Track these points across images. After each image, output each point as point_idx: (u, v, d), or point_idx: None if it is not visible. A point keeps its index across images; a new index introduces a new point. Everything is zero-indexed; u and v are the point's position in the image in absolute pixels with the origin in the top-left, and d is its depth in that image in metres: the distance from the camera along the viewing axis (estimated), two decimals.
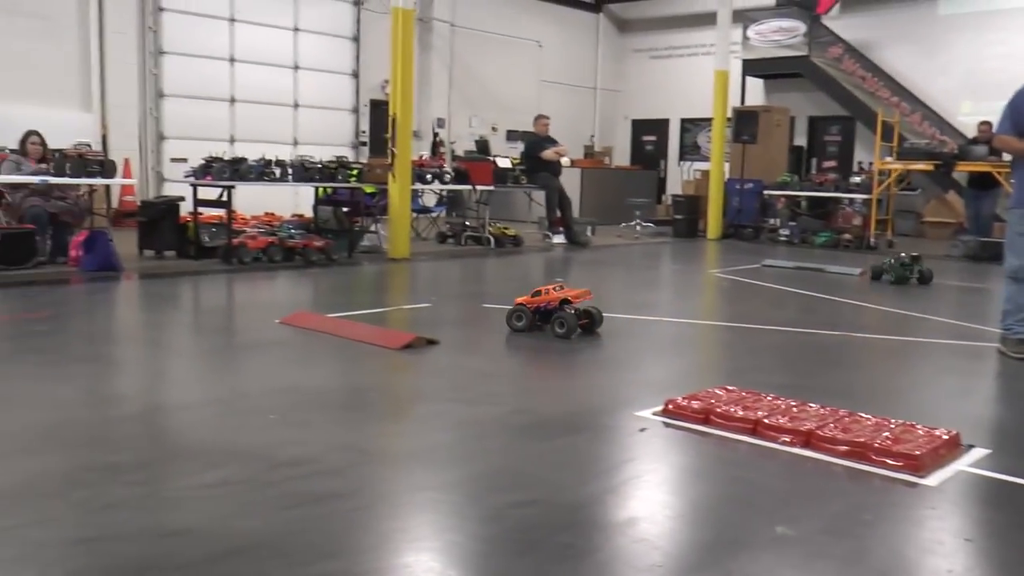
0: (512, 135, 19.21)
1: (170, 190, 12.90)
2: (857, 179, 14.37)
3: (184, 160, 12.86)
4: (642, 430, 3.92)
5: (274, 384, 4.64)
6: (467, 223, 12.76)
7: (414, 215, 12.12)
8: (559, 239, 13.07)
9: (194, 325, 7.02)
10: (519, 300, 6.07)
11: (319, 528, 2.75)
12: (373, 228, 11.27)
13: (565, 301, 5.90)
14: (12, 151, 9.09)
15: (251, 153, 10.23)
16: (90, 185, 9.31)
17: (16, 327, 5.99)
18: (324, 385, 4.72)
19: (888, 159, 14.03)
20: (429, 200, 14.66)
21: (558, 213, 13.18)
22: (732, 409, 3.95)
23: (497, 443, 3.73)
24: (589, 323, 6.03)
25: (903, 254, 9.63)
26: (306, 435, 3.72)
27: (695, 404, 4.04)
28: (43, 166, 8.79)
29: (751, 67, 18.55)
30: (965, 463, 3.53)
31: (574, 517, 2.91)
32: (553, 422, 4.03)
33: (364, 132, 17.14)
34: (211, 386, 4.72)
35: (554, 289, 6.00)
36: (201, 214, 9.72)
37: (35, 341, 5.53)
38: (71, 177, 8.74)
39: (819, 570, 2.58)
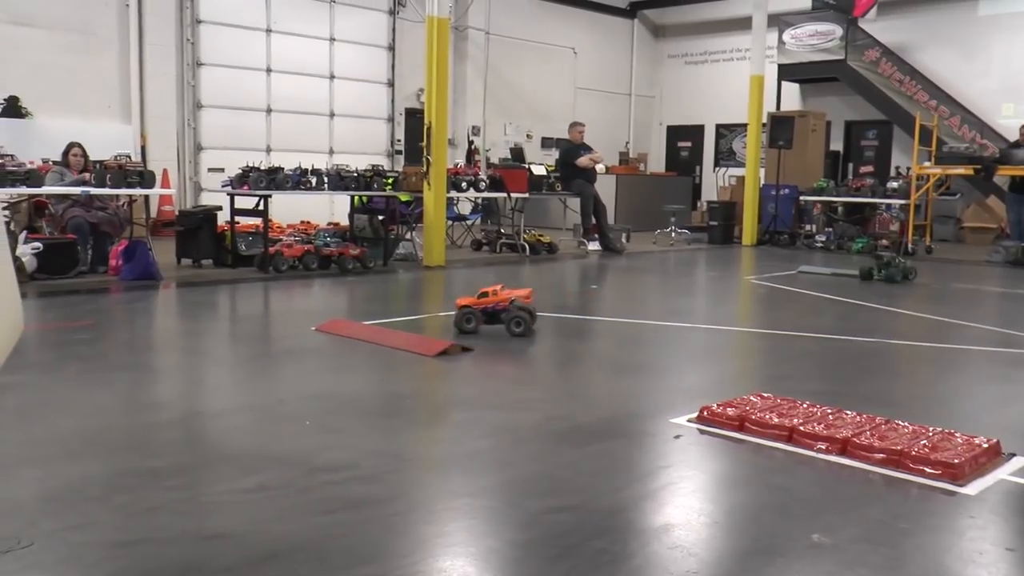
0: (547, 142, 19.25)
1: (207, 200, 13.08)
2: (894, 184, 14.22)
3: (221, 170, 13.03)
4: (677, 437, 3.91)
5: (310, 390, 4.69)
6: (502, 230, 12.79)
7: (449, 223, 12.17)
8: (594, 246, 13.07)
9: (231, 333, 7.10)
10: (464, 302, 6.11)
11: (356, 533, 2.78)
12: (408, 236, 11.34)
13: (514, 301, 6.00)
14: (55, 163, 9.26)
15: (287, 162, 10.34)
16: (130, 195, 9.46)
17: (59, 335, 6.10)
18: (360, 392, 4.76)
19: (926, 164, 13.88)
20: (464, 208, 14.73)
21: (593, 220, 13.18)
22: (767, 416, 3.93)
23: (532, 449, 3.74)
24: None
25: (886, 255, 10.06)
26: (343, 441, 3.75)
27: (730, 411, 4.03)
28: (84, 177, 8.94)
29: (787, 72, 18.45)
30: (1006, 472, 3.48)
31: (609, 523, 2.92)
32: (588, 428, 4.03)
33: (399, 140, 17.26)
34: (249, 392, 4.77)
35: (499, 290, 6.09)
36: (238, 223, 9.84)
37: (77, 349, 5.62)
38: (111, 188, 8.89)
39: (849, 565, 2.56)
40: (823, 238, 14.52)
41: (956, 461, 3.37)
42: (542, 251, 12.27)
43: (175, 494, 3.08)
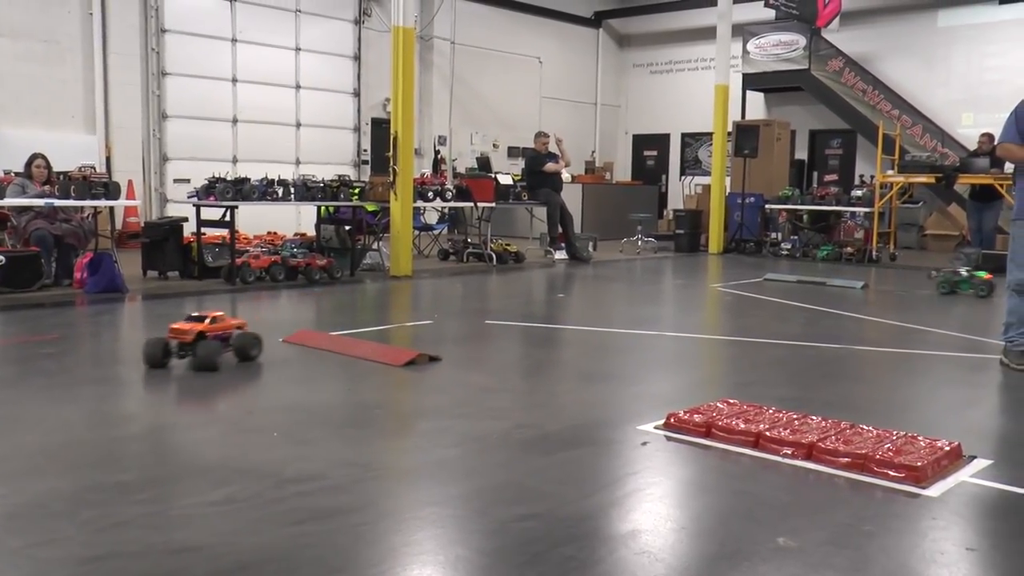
0: (513, 151, 19.29)
1: (173, 211, 13.00)
2: (859, 192, 14.40)
3: (187, 181, 12.96)
4: (644, 444, 3.94)
5: (278, 402, 4.68)
6: (469, 240, 12.81)
7: (416, 232, 12.17)
8: (561, 255, 13.12)
9: None
10: (179, 326, 5.32)
11: (326, 543, 2.78)
12: (375, 246, 11.32)
13: (201, 335, 5.25)
14: (17, 174, 9.16)
15: (254, 173, 10.30)
16: (94, 207, 9.37)
17: (22, 350, 6.03)
18: (328, 402, 4.75)
19: (890, 172, 14.08)
20: (431, 217, 14.74)
21: (560, 229, 13.23)
22: (734, 422, 3.98)
23: (500, 458, 3.75)
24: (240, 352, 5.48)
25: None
26: (311, 452, 3.74)
27: (697, 417, 4.07)
28: (48, 188, 8.85)
29: (751, 81, 18.63)
30: (967, 474, 3.55)
31: (577, 530, 2.94)
32: (556, 436, 4.06)
33: (366, 151, 17.23)
34: (216, 405, 4.75)
35: (209, 321, 5.36)
36: (204, 234, 9.78)
37: (42, 363, 5.56)
38: (76, 199, 8.81)
39: (817, 569, 2.60)
40: (789, 246, 14.68)
41: (919, 464, 3.43)
42: (509, 260, 12.30)
43: (143, 508, 3.06)
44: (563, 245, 13.23)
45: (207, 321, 5.34)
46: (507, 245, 12.61)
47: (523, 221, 15.70)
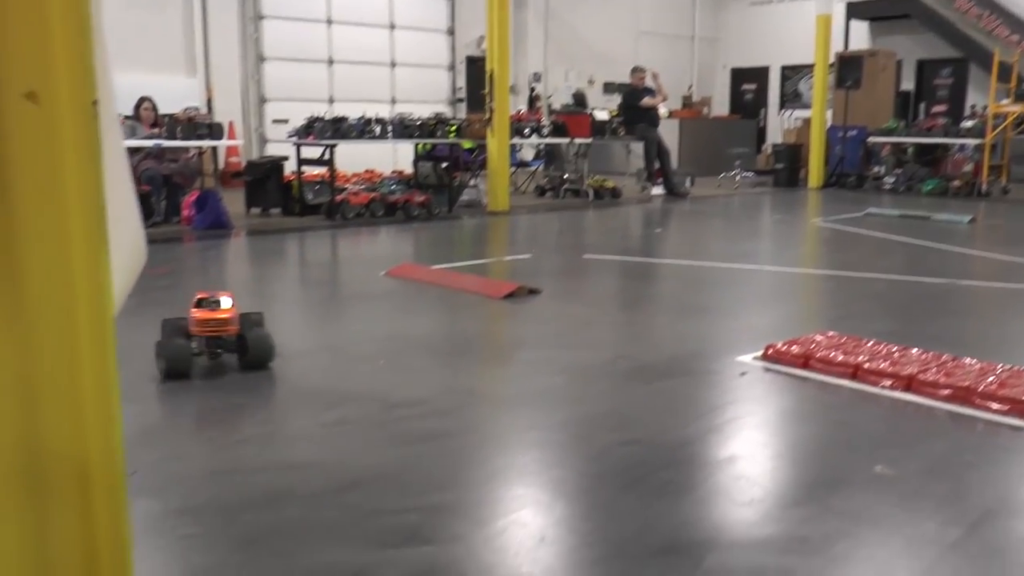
0: (609, 87, 19.06)
1: (272, 151, 13.28)
2: (969, 123, 13.85)
3: (285, 121, 13.20)
4: (743, 374, 3.97)
5: (382, 332, 4.83)
6: (566, 176, 12.80)
7: (513, 169, 12.21)
8: (658, 190, 13.02)
9: (303, 278, 7.29)
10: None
11: (432, 463, 2.91)
12: (472, 183, 11.42)
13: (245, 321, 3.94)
14: (127, 117, 9.50)
15: (350, 112, 10.45)
16: (199, 147, 9.67)
17: (139, 282, 6.32)
18: (430, 332, 4.89)
19: (1005, 101, 13.47)
20: (527, 154, 14.74)
21: (657, 164, 13.11)
22: (832, 354, 3.97)
23: (601, 387, 3.83)
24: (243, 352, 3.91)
25: None
26: (416, 378, 3.89)
27: (795, 349, 4.07)
28: (156, 130, 9.16)
29: (856, 10, 17.94)
30: None
31: (675, 455, 3.01)
32: (655, 367, 4.11)
33: (461, 88, 17.26)
34: (323, 334, 4.94)
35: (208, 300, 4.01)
36: (304, 173, 10.01)
37: (158, 295, 5.84)
38: (182, 140, 9.10)
39: (917, 508, 2.62)
40: (892, 180, 14.24)
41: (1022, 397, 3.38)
42: (606, 196, 12.26)
43: (261, 428, 3.24)
44: (660, 181, 13.11)
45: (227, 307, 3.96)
46: (604, 181, 12.56)
47: (620, 157, 15.56)
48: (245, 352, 3.89)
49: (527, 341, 4.82)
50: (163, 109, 9.62)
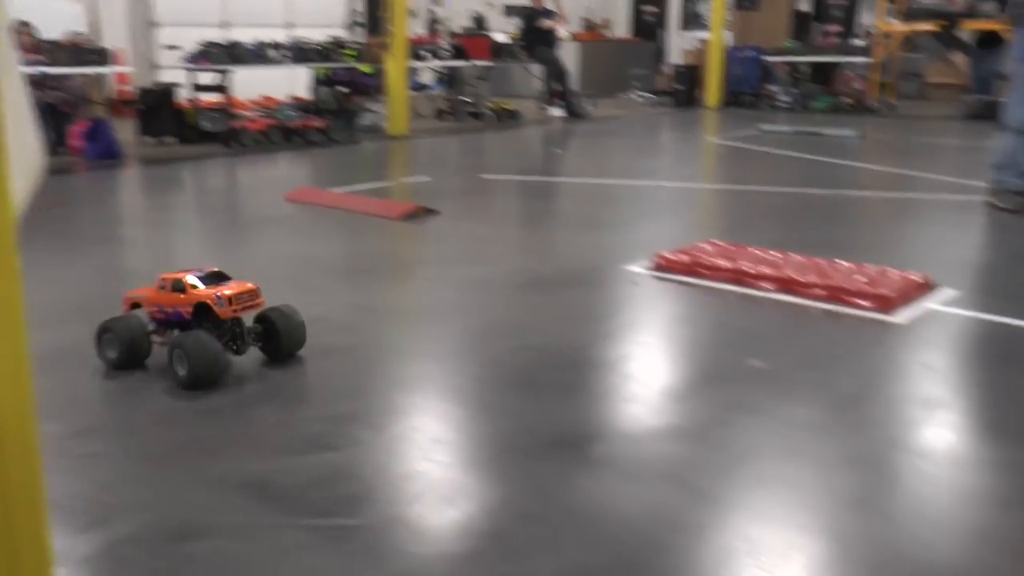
0: (509, 10, 18.91)
1: (164, 78, 12.89)
2: (860, 42, 14.22)
3: (177, 48, 12.80)
4: (634, 283, 4.13)
5: (283, 254, 4.85)
6: (465, 100, 12.77)
7: (413, 93, 12.12)
8: (559, 112, 13.09)
9: (202, 205, 7.19)
10: (132, 295, 3.26)
11: (335, 376, 3.00)
12: (372, 107, 11.31)
13: (203, 306, 3.00)
14: None
15: (244, 38, 10.20)
16: (86, 74, 9.34)
17: (31, 214, 6.17)
18: (332, 254, 4.93)
19: (892, 20, 13.84)
20: (427, 78, 14.62)
21: (557, 86, 13.16)
22: (718, 261, 4.15)
23: (498, 299, 3.95)
24: (269, 336, 3.11)
25: None
26: (318, 297, 3.93)
27: (683, 257, 4.24)
28: (38, 57, 8.81)
29: None
30: (934, 302, 3.75)
31: (567, 359, 3.15)
32: (551, 279, 4.25)
33: (359, 12, 16.91)
34: (223, 258, 4.89)
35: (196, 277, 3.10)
36: (199, 99, 9.77)
37: (52, 226, 5.72)
38: (68, 66, 8.78)
39: (788, 396, 2.81)
40: (788, 98, 14.59)
41: (889, 294, 3.62)
42: (506, 119, 12.30)
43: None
44: (561, 102, 13.18)
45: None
46: (504, 104, 12.57)
47: (521, 80, 15.55)
48: (273, 338, 3.08)
49: (427, 259, 4.90)
50: (44, 34, 9.24)
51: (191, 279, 3.06)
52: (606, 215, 6.10)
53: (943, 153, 9.30)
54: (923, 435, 2.60)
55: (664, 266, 4.25)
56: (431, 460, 2.39)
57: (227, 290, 3.01)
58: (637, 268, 4.33)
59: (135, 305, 3.22)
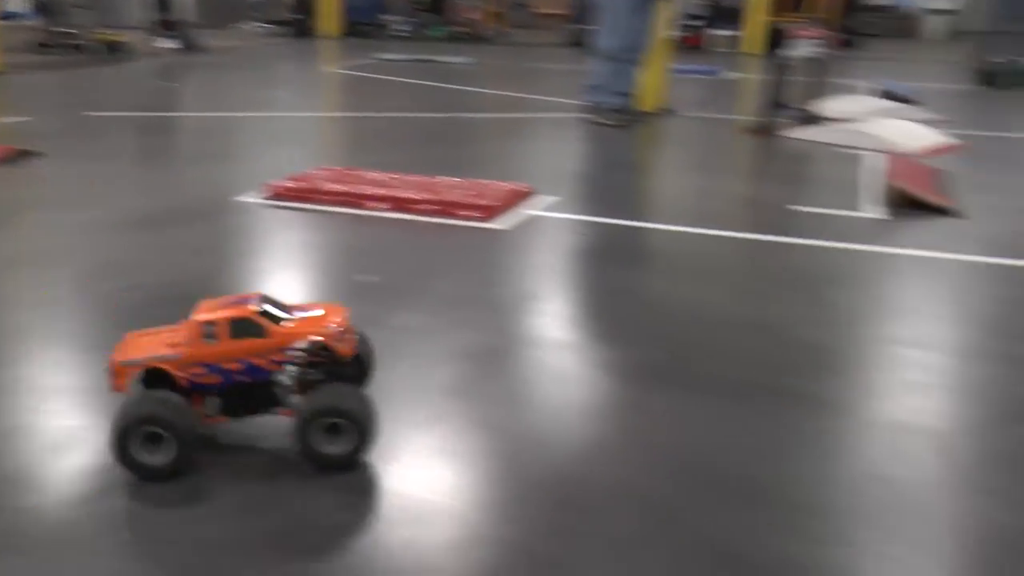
0: None
1: None
2: None
3: None
4: (247, 213, 4.11)
5: None
6: (66, 31, 11.71)
7: (2, 23, 10.92)
8: (171, 44, 12.40)
9: None
10: (134, 359, 2.08)
11: None
12: None
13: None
14: None
15: None
16: None
17: None
18: None
19: None
20: (17, 5, 13.23)
21: (167, 16, 12.45)
22: (332, 186, 4.23)
23: (107, 241, 3.75)
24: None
25: None
26: None
27: (297, 184, 4.28)
28: None
29: None
30: (533, 208, 4.10)
31: (181, 293, 3.07)
32: (165, 216, 4.09)
33: None
34: None
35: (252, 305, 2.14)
36: None
37: None
38: None
39: (400, 304, 2.97)
40: (406, 28, 14.88)
41: (492, 203, 3.91)
42: (115, 52, 11.46)
43: None
44: (173, 33, 12.49)
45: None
46: (112, 36, 11.69)
47: (128, 10, 14.52)
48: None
49: (31, 204, 4.51)
50: None
51: (269, 309, 2.05)
52: (221, 149, 5.95)
53: (549, 77, 9.99)
54: (522, 326, 2.87)
55: (279, 194, 4.26)
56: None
57: (335, 317, 2.10)
58: (250, 199, 4.29)
59: (152, 372, 2.04)
